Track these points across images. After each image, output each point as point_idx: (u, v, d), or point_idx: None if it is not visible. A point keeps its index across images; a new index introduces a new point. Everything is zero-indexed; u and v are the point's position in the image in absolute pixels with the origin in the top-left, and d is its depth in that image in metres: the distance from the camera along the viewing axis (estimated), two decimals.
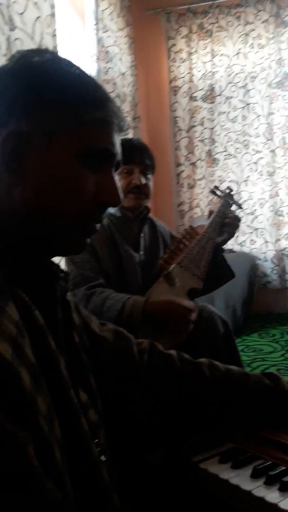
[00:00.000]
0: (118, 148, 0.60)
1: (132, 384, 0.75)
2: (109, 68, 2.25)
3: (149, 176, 1.55)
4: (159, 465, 0.80)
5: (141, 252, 1.58)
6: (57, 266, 0.59)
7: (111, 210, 1.56)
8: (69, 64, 0.59)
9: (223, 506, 0.74)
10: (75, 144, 0.55)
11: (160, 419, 0.75)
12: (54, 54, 0.59)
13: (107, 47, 2.24)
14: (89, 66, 2.14)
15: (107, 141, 0.58)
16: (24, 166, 0.55)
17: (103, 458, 0.56)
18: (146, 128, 2.78)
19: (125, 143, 1.53)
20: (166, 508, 0.73)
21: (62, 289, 0.60)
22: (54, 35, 1.60)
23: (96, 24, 2.16)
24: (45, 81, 0.55)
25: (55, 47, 1.59)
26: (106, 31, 2.24)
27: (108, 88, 2.25)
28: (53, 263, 0.59)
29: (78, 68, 0.59)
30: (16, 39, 1.40)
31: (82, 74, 0.59)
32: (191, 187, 3.24)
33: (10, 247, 0.54)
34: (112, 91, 2.28)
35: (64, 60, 0.59)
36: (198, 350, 1.31)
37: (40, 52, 0.58)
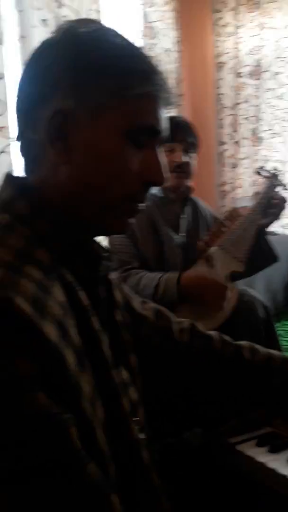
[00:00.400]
0: (163, 124, 0.58)
1: (171, 363, 0.75)
2: (154, 44, 2.21)
3: (192, 154, 1.51)
4: (197, 445, 0.82)
5: (182, 234, 1.57)
6: (101, 245, 0.60)
7: (151, 190, 1.54)
8: (116, 35, 0.57)
9: (256, 488, 0.74)
10: (120, 121, 0.54)
11: (199, 400, 0.76)
12: (100, 25, 0.57)
13: (152, 22, 2.19)
14: (134, 42, 2.11)
15: (153, 117, 0.56)
16: (70, 144, 0.54)
17: (142, 436, 0.57)
18: (190, 105, 2.72)
19: (168, 121, 1.50)
20: (201, 486, 0.74)
21: (105, 268, 0.60)
22: (99, 11, 1.59)
23: None
24: (91, 54, 0.53)
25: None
26: (152, 6, 2.19)
27: None
28: (96, 242, 0.59)
29: (125, 38, 0.57)
30: (63, 16, 1.40)
31: (129, 45, 0.57)
32: (234, 166, 3.16)
33: (55, 226, 0.54)
34: None
35: (111, 30, 0.57)
36: (238, 334, 1.31)
37: (87, 22, 0.56)
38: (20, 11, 1.24)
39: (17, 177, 0.58)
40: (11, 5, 1.22)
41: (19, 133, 0.58)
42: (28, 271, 0.46)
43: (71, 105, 0.53)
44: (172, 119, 1.55)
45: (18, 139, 0.59)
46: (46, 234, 0.53)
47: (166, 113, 0.58)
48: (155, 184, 0.58)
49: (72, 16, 1.44)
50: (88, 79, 0.53)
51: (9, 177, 0.58)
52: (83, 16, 1.50)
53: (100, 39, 0.55)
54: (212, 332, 0.80)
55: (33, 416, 0.39)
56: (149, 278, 1.36)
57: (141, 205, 0.59)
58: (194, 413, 0.77)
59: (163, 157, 0.58)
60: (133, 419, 0.56)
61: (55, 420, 0.40)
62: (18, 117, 0.58)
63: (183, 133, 1.49)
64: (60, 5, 1.37)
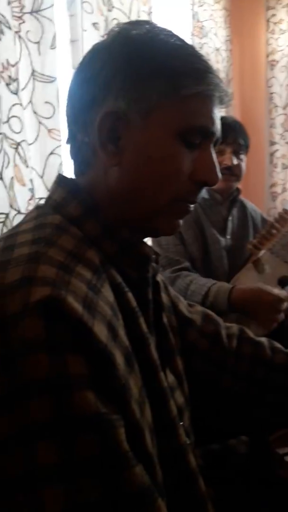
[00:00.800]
0: (218, 124, 0.56)
1: (219, 368, 0.73)
2: (204, 43, 2.19)
3: (242, 156, 1.48)
4: (243, 453, 0.80)
5: (228, 237, 1.54)
6: (150, 247, 0.59)
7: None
8: (168, 34, 0.56)
9: None
10: (173, 121, 0.53)
11: (246, 407, 0.74)
12: (152, 25, 0.56)
13: (203, 21, 2.17)
14: None
15: (207, 117, 0.55)
16: (121, 146, 0.54)
17: (187, 441, 0.56)
18: (240, 105, 2.67)
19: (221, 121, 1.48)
20: (248, 496, 0.72)
21: (153, 270, 0.60)
22: (150, 13, 1.59)
23: None
24: (142, 55, 0.53)
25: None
26: (202, 5, 2.17)
27: None
28: (145, 243, 0.59)
29: (178, 38, 0.56)
30: (113, 19, 1.41)
31: (182, 45, 0.56)
32: (286, 167, 3.07)
33: (104, 228, 0.54)
34: None
35: (163, 30, 0.56)
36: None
37: (138, 24, 0.56)
38: (71, 16, 1.27)
39: (68, 179, 0.59)
40: (63, 10, 1.25)
41: (69, 136, 0.59)
42: (79, 271, 0.46)
43: (123, 106, 0.52)
44: (222, 120, 1.53)
45: (68, 142, 0.59)
46: (96, 235, 0.53)
47: (220, 113, 0.57)
48: (208, 184, 0.57)
49: (123, 18, 1.44)
50: (140, 80, 0.52)
51: (60, 178, 0.59)
52: (134, 17, 1.51)
53: (152, 40, 0.54)
54: (262, 339, 0.77)
55: (81, 414, 0.39)
56: (199, 284, 1.32)
57: (191, 206, 0.58)
58: (240, 420, 0.75)
59: (215, 157, 0.57)
60: (180, 423, 0.55)
61: (103, 420, 0.40)
62: (69, 120, 0.58)
63: (234, 135, 1.45)
64: (111, 8, 1.38)
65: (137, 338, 0.51)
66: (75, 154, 0.59)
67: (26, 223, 0.53)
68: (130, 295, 0.53)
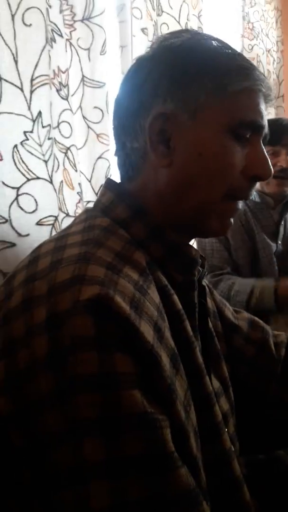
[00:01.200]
0: (265, 119, 0.57)
1: (265, 376, 0.72)
2: (254, 45, 2.15)
3: None
4: None
5: (279, 242, 1.50)
6: (196, 250, 0.58)
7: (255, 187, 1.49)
8: (209, 38, 0.58)
9: None
10: (222, 117, 0.54)
11: None
12: (192, 32, 0.58)
13: (253, 22, 2.13)
14: (233, 44, 2.07)
15: (255, 111, 0.55)
16: (172, 146, 0.55)
17: (232, 448, 0.55)
18: None
19: (273, 123, 1.46)
20: None
21: (199, 273, 0.59)
22: (200, 16, 1.58)
23: None
24: (186, 59, 0.55)
25: (199, 27, 1.56)
26: (253, 6, 2.14)
27: None
28: (191, 246, 0.58)
29: (218, 40, 0.58)
30: (162, 23, 1.41)
31: (223, 45, 0.57)
32: None
33: (152, 230, 0.55)
34: None
35: (203, 35, 0.59)
36: None
37: (177, 33, 0.58)
38: (121, 22, 1.28)
39: (117, 183, 0.60)
40: (112, 16, 1.26)
41: (117, 146, 0.60)
42: (127, 272, 0.47)
43: (171, 107, 0.54)
44: (278, 121, 1.50)
45: (116, 153, 0.61)
46: (143, 238, 0.54)
47: (267, 109, 0.57)
48: (262, 178, 0.57)
49: (172, 23, 1.45)
50: (185, 81, 0.54)
51: (109, 182, 0.60)
52: (183, 21, 1.51)
53: (194, 44, 0.56)
54: None
55: (128, 413, 0.39)
56: (243, 284, 1.30)
57: (241, 205, 0.58)
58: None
59: (266, 152, 0.57)
60: (225, 429, 0.54)
61: (149, 419, 0.40)
62: (117, 131, 0.60)
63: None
64: (160, 13, 1.38)
65: (182, 342, 0.51)
66: (123, 162, 0.60)
67: (76, 225, 0.55)
68: (175, 298, 0.52)
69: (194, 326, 0.56)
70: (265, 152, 0.57)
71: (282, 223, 1.52)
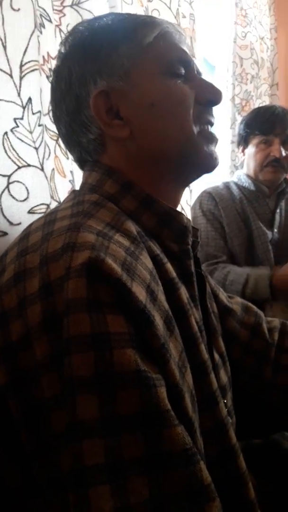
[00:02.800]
0: (190, 55, 0.61)
1: (260, 360, 0.72)
2: (248, 32, 2.13)
3: None
4: (286, 448, 0.77)
5: (275, 230, 1.49)
6: (188, 219, 0.59)
7: (244, 183, 1.50)
8: (102, 17, 0.62)
9: None
10: (152, 67, 0.57)
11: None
12: (85, 22, 0.63)
13: (246, 9, 2.11)
14: (226, 31, 2.05)
15: (176, 49, 0.59)
16: (124, 115, 0.57)
17: (228, 418, 0.55)
18: (285, 95, 2.58)
19: (266, 111, 1.45)
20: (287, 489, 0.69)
21: (193, 243, 0.60)
22: (192, 2, 1.56)
23: None
24: (94, 40, 0.58)
25: (191, 14, 1.55)
26: None
27: (245, 54, 2.14)
28: (183, 215, 0.59)
29: (111, 14, 0.63)
30: (153, 9, 1.39)
31: (117, 14, 0.62)
32: None
33: (143, 202, 0.56)
34: (250, 57, 2.16)
35: (97, 17, 0.63)
36: None
37: (73, 29, 0.62)
38: (112, 7, 1.26)
39: (101, 163, 0.60)
40: (103, 2, 1.25)
41: (71, 149, 0.64)
42: (117, 239, 0.47)
43: (104, 84, 0.57)
44: (270, 109, 1.50)
45: (75, 160, 0.65)
46: (133, 210, 0.55)
47: (186, 47, 0.60)
48: (215, 102, 0.60)
49: (163, 8, 1.43)
50: (104, 57, 0.57)
51: (93, 164, 0.61)
52: (174, 7, 1.48)
53: (94, 26, 0.60)
54: None
55: (121, 371, 0.40)
56: (237, 273, 1.30)
57: (214, 133, 0.61)
58: (284, 415, 0.72)
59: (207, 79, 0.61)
60: (222, 399, 0.54)
61: (143, 377, 0.40)
62: (66, 137, 0.63)
63: (282, 125, 1.42)
64: None
65: (177, 308, 0.51)
66: (81, 158, 0.63)
67: (65, 203, 0.56)
68: (168, 266, 0.53)
69: (193, 296, 0.56)
70: (206, 79, 0.61)
71: (278, 211, 1.52)
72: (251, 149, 1.49)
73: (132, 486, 0.38)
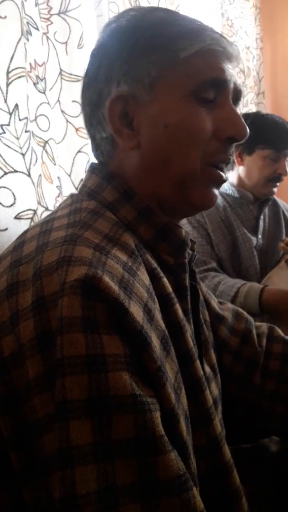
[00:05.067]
0: (230, 74, 0.55)
1: (250, 366, 0.72)
2: (234, 42, 2.16)
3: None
4: (274, 453, 0.77)
5: (259, 236, 1.51)
6: (187, 232, 0.57)
7: (228, 190, 1.51)
8: (155, 10, 0.57)
9: None
10: (180, 85, 0.52)
11: (279, 406, 0.72)
12: (137, 8, 0.58)
13: (232, 19, 2.15)
14: None
15: (214, 69, 0.53)
16: (136, 126, 0.54)
17: (222, 433, 0.54)
18: (271, 103, 2.62)
19: (281, 127, 1.44)
20: (281, 494, 0.70)
21: (190, 256, 0.59)
22: (178, 11, 1.58)
23: None
24: (132, 37, 0.54)
25: None
26: (232, 3, 2.15)
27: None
28: (181, 228, 0.57)
29: (165, 10, 0.57)
30: None
31: (170, 13, 0.57)
32: None
33: (139, 212, 0.54)
34: (236, 66, 2.19)
35: (149, 8, 0.58)
36: None
37: (122, 13, 0.58)
38: (98, 16, 1.27)
39: (102, 167, 0.59)
40: (90, 10, 1.26)
41: (91, 140, 0.60)
42: (115, 253, 0.46)
43: (126, 88, 0.53)
44: (283, 126, 1.47)
45: (92, 148, 0.61)
46: (131, 220, 0.53)
47: (232, 66, 0.55)
48: (237, 138, 0.55)
49: None
50: (135, 59, 0.53)
51: (94, 166, 0.59)
52: None
53: (139, 20, 0.55)
54: None
55: (116, 395, 0.38)
56: (228, 284, 1.29)
57: (225, 176, 0.56)
58: (272, 420, 0.72)
59: (236, 110, 0.56)
60: (216, 414, 0.53)
61: (138, 402, 0.39)
62: (86, 124, 0.60)
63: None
64: (138, 5, 1.38)
65: (173, 325, 0.50)
66: (97, 154, 0.60)
67: (62, 210, 0.54)
68: (165, 280, 0.51)
69: (186, 310, 0.55)
70: (235, 110, 0.55)
71: (262, 217, 1.53)
72: (256, 161, 1.45)
73: None
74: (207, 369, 0.61)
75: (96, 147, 0.59)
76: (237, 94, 0.57)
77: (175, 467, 0.39)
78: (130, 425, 0.38)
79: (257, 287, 1.26)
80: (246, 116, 1.51)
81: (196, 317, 0.59)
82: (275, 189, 1.47)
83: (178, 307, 0.52)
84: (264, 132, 1.42)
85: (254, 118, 1.46)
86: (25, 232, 0.53)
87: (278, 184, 1.46)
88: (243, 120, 0.55)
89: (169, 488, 0.39)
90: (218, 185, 0.57)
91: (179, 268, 0.55)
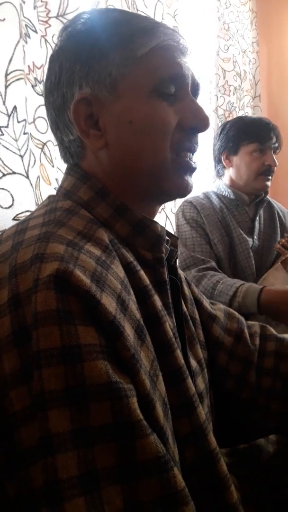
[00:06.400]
0: (187, 69, 0.57)
1: (244, 365, 0.73)
2: (230, 45, 2.18)
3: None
4: (271, 452, 0.78)
5: (255, 237, 1.52)
6: (162, 227, 0.59)
7: (224, 192, 1.53)
8: (109, 11, 0.58)
9: None
10: (140, 82, 0.54)
11: (275, 403, 0.73)
12: (91, 11, 0.59)
13: (229, 23, 2.16)
14: (209, 44, 2.09)
15: (171, 65, 0.55)
16: (102, 126, 0.55)
17: (207, 422, 0.54)
18: (267, 106, 2.64)
19: (260, 120, 1.48)
20: (274, 495, 0.70)
21: (168, 251, 0.60)
22: (175, 15, 1.59)
23: (218, 0, 2.10)
24: (89, 39, 0.55)
25: (175, 27, 1.58)
26: (228, 7, 2.17)
27: (228, 66, 2.18)
28: (157, 223, 0.58)
29: (120, 11, 0.58)
30: None
31: (121, 14, 0.57)
32: None
33: (117, 210, 0.55)
34: (233, 69, 2.20)
35: (103, 10, 0.60)
36: None
37: (78, 17, 0.59)
38: None
39: (78, 167, 0.60)
40: None
41: (58, 143, 0.62)
42: (88, 249, 0.47)
43: (88, 91, 0.55)
44: (262, 119, 1.51)
45: (60, 152, 0.62)
46: (107, 217, 0.54)
47: (187, 61, 0.57)
48: (199, 129, 0.57)
49: None
50: (93, 61, 0.54)
51: (70, 167, 0.61)
52: (159, 20, 1.51)
53: (95, 22, 0.56)
54: (285, 335, 0.77)
55: (92, 383, 0.39)
56: (227, 284, 1.30)
57: (194, 164, 0.58)
58: (268, 419, 0.73)
59: (197, 102, 0.58)
60: (199, 404, 0.54)
61: (114, 388, 0.40)
62: (52, 128, 0.61)
63: (275, 135, 1.47)
64: (135, 11, 1.39)
65: (150, 315, 0.51)
66: (65, 156, 0.61)
67: (38, 210, 0.55)
68: (142, 273, 0.53)
69: (167, 304, 0.56)
70: (196, 102, 0.57)
71: (257, 218, 1.54)
72: (243, 157, 1.48)
73: (107, 496, 0.38)
74: (193, 363, 0.62)
75: (64, 150, 0.61)
76: (195, 87, 0.59)
77: (154, 449, 0.40)
78: (107, 411, 0.39)
79: (256, 287, 1.27)
80: (226, 122, 1.56)
81: (178, 312, 0.60)
82: (268, 183, 1.49)
83: (156, 299, 0.53)
84: (245, 129, 1.47)
85: (234, 121, 1.52)
86: (2, 233, 0.54)
87: (270, 177, 1.48)
88: (204, 111, 0.57)
89: (148, 469, 0.40)
90: (190, 173, 0.59)
91: (157, 263, 0.57)
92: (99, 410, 0.39)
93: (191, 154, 0.58)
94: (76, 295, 0.41)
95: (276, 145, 1.47)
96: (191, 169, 0.58)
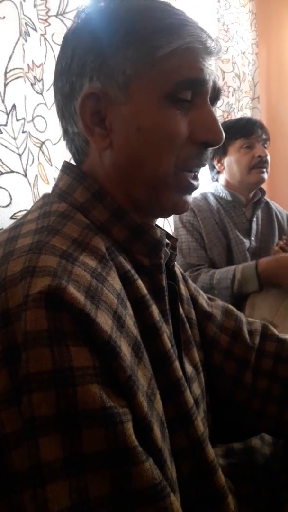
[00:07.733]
0: (208, 73, 0.51)
1: (241, 365, 0.72)
2: (229, 47, 2.18)
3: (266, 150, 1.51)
4: (266, 452, 0.77)
5: (252, 238, 1.52)
6: (162, 231, 0.56)
7: (221, 193, 1.53)
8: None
9: None
10: (155, 85, 0.49)
11: (271, 406, 0.72)
12: None
13: (228, 25, 2.17)
14: None
15: (192, 69, 0.50)
16: (108, 126, 0.52)
17: (205, 433, 0.53)
18: (266, 108, 2.64)
19: (242, 118, 1.50)
20: (270, 496, 0.70)
21: (168, 256, 0.57)
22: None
23: (218, 1, 2.11)
24: (107, 28, 0.50)
25: None
26: (228, 8, 2.17)
27: (227, 67, 2.18)
28: (157, 228, 0.56)
29: (146, 0, 0.52)
30: None
31: (149, 4, 0.52)
32: None
33: (114, 213, 0.52)
34: (232, 70, 2.21)
35: None
36: None
37: (97, 0, 0.53)
38: None
39: (74, 166, 0.57)
40: None
41: (62, 131, 0.58)
42: (83, 260, 0.44)
43: (99, 85, 0.50)
44: (244, 117, 1.54)
45: (64, 138, 0.59)
46: (104, 221, 0.52)
47: (211, 64, 0.52)
48: (212, 144, 0.52)
49: None
50: (109, 54, 0.50)
51: (65, 165, 0.57)
52: None
53: (115, 10, 0.51)
54: (287, 336, 0.76)
55: (86, 409, 0.37)
56: (223, 271, 1.35)
57: (197, 183, 0.55)
58: (263, 420, 0.73)
59: (214, 113, 0.53)
60: (197, 415, 0.53)
61: (108, 414, 0.38)
62: (58, 116, 0.58)
63: (260, 128, 1.49)
64: None
65: (148, 328, 0.49)
66: (70, 147, 0.58)
67: (32, 213, 0.52)
68: (139, 283, 0.50)
69: (164, 311, 0.54)
70: (213, 114, 0.52)
71: (254, 219, 1.55)
72: (233, 156, 1.50)
73: None
74: (189, 368, 0.60)
75: (70, 142, 0.57)
76: (216, 93, 0.55)
77: (149, 477, 0.39)
78: (101, 438, 0.38)
79: (251, 262, 1.33)
80: None
81: (174, 316, 0.58)
82: (263, 175, 1.50)
83: (154, 308, 0.51)
84: (228, 129, 1.49)
85: (224, 123, 1.54)
86: None
87: (264, 170, 1.48)
88: (219, 124, 0.52)
89: (144, 497, 0.38)
90: (190, 193, 0.55)
91: (155, 269, 0.54)
92: (92, 436, 0.37)
93: (198, 169, 0.55)
94: (69, 313, 0.39)
95: (264, 137, 1.49)
96: (192, 189, 0.55)
